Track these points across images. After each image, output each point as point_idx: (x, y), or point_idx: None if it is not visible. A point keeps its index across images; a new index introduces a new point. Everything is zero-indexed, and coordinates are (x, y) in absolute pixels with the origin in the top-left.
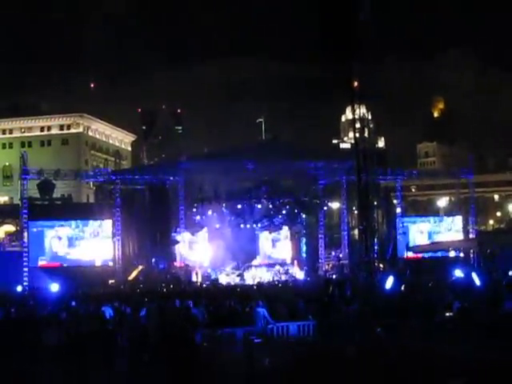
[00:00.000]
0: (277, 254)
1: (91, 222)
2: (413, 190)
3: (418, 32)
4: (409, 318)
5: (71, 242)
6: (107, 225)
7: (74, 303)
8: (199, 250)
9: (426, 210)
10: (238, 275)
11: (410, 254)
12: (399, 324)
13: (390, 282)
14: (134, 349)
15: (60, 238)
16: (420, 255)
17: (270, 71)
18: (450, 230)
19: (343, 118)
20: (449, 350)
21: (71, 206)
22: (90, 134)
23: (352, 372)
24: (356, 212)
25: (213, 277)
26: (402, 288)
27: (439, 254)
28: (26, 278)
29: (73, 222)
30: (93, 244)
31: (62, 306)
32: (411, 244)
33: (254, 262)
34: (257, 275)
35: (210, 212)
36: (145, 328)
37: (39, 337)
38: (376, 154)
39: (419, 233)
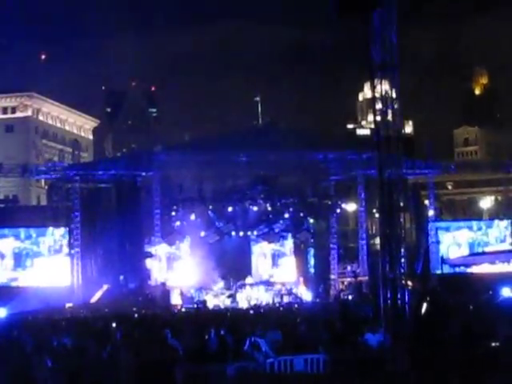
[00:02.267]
0: (280, 275)
1: (51, 230)
2: (449, 187)
3: None
4: (444, 350)
5: (19, 260)
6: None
7: (16, 333)
8: (179, 265)
9: (465, 212)
10: (228, 296)
11: (446, 269)
12: (432, 356)
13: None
14: None
15: (2, 256)
16: (459, 270)
17: (268, 38)
18: (504, 240)
19: (361, 97)
20: None
21: (17, 211)
22: (41, 118)
23: None
24: (377, 216)
25: (197, 299)
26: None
27: (482, 268)
28: None
29: (22, 231)
30: (53, 263)
31: (2, 337)
32: (447, 256)
33: (249, 280)
34: (252, 296)
35: (192, 216)
36: (110, 365)
37: None
38: (402, 141)
39: (455, 245)
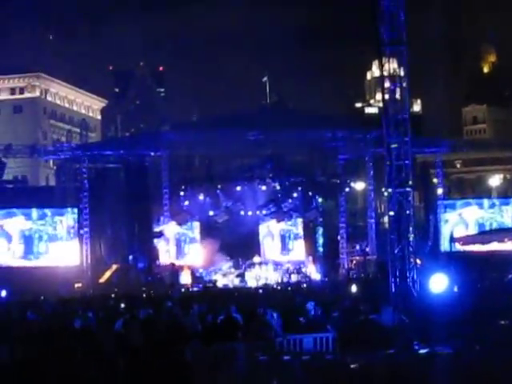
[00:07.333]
0: (289, 255)
1: (70, 210)
2: (458, 165)
3: None
4: (454, 328)
5: (31, 245)
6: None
7: (30, 315)
8: (188, 245)
9: (473, 190)
10: (237, 276)
11: (456, 247)
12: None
13: (441, 284)
14: (104, 372)
15: (9, 238)
16: (469, 248)
17: (275, 17)
18: None
19: (369, 76)
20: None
21: (27, 191)
22: (49, 99)
23: None
24: (386, 194)
25: (206, 278)
26: (455, 290)
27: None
28: None
29: (34, 211)
30: (68, 245)
31: (15, 318)
32: (456, 235)
33: (258, 259)
34: (261, 275)
35: (201, 196)
36: (120, 344)
37: None
38: (411, 120)
39: (462, 224)
